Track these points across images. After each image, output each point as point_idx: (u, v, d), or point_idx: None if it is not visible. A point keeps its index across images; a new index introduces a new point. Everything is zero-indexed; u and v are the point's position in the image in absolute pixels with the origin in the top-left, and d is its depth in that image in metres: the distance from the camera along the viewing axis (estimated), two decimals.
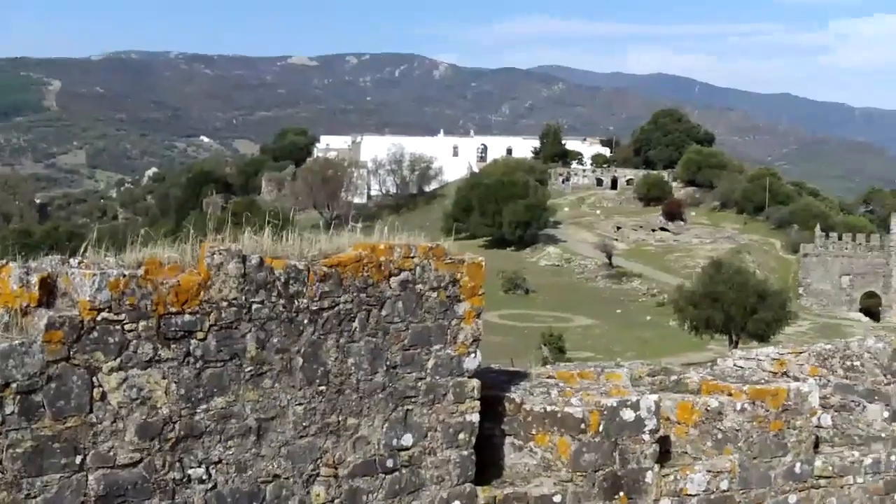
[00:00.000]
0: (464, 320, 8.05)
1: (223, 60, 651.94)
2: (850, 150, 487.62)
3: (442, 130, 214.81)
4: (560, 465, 8.38)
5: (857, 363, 10.16)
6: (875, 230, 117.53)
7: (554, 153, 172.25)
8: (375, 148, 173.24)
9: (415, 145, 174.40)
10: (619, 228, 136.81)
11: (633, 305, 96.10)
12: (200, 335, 7.14)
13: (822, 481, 9.67)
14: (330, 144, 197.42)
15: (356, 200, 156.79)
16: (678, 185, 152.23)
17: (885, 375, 10.08)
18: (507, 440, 8.54)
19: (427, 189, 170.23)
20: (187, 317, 7.07)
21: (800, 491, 9.52)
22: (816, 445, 9.75)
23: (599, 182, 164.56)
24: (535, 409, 8.46)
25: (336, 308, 7.61)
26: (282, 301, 7.41)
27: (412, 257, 7.84)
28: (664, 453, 8.94)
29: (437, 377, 7.98)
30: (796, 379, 9.81)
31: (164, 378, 7.03)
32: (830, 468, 9.72)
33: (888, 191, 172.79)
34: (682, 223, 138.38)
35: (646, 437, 8.57)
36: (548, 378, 9.27)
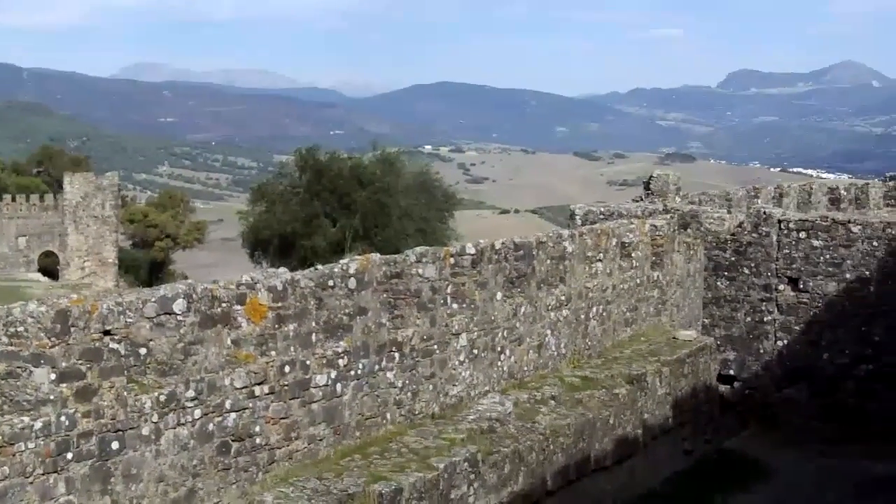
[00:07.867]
0: None
1: None
2: (21, 111, 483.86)
3: None
4: None
5: (22, 329, 10.10)
6: (49, 190, 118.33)
7: None
8: None
9: None
10: None
11: None
12: None
13: None
14: None
15: None
16: None
17: (49, 338, 10.16)
18: None
19: None
20: None
21: None
22: None
23: None
24: None
25: None
26: None
27: None
28: None
29: None
30: None
31: None
32: (1, 437, 9.60)
33: (59, 149, 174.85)
34: None
35: None
36: None
